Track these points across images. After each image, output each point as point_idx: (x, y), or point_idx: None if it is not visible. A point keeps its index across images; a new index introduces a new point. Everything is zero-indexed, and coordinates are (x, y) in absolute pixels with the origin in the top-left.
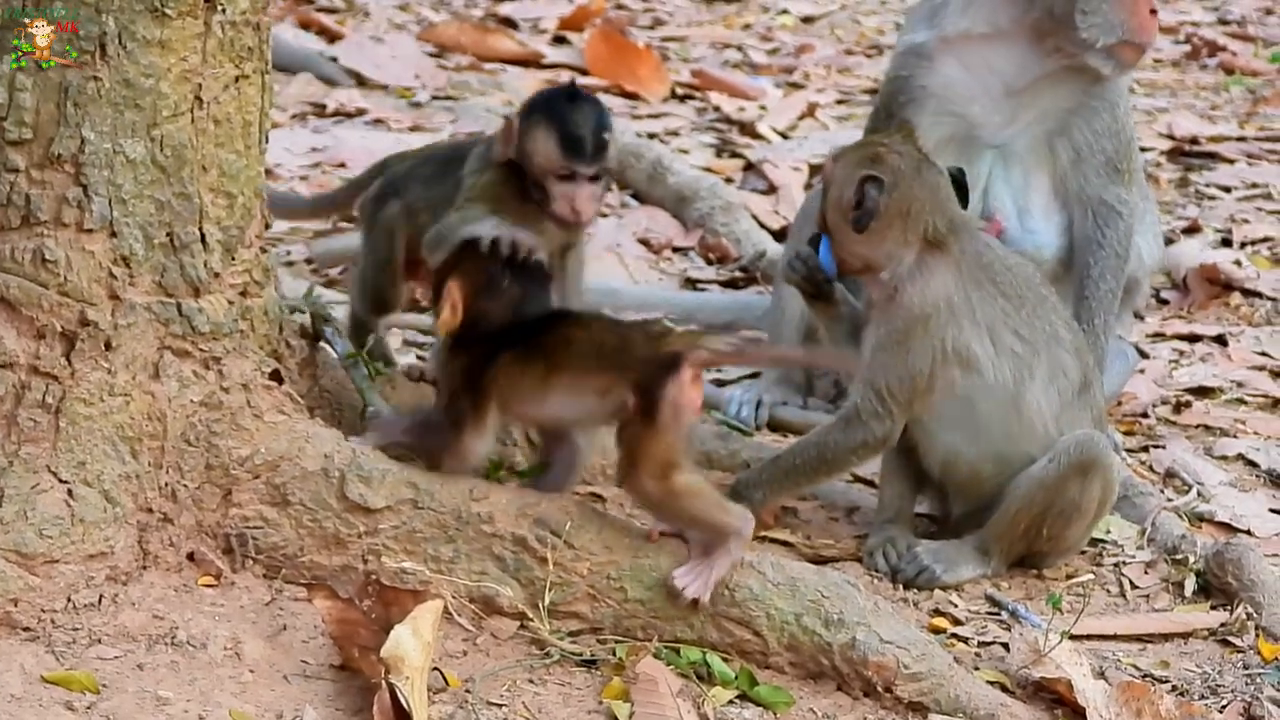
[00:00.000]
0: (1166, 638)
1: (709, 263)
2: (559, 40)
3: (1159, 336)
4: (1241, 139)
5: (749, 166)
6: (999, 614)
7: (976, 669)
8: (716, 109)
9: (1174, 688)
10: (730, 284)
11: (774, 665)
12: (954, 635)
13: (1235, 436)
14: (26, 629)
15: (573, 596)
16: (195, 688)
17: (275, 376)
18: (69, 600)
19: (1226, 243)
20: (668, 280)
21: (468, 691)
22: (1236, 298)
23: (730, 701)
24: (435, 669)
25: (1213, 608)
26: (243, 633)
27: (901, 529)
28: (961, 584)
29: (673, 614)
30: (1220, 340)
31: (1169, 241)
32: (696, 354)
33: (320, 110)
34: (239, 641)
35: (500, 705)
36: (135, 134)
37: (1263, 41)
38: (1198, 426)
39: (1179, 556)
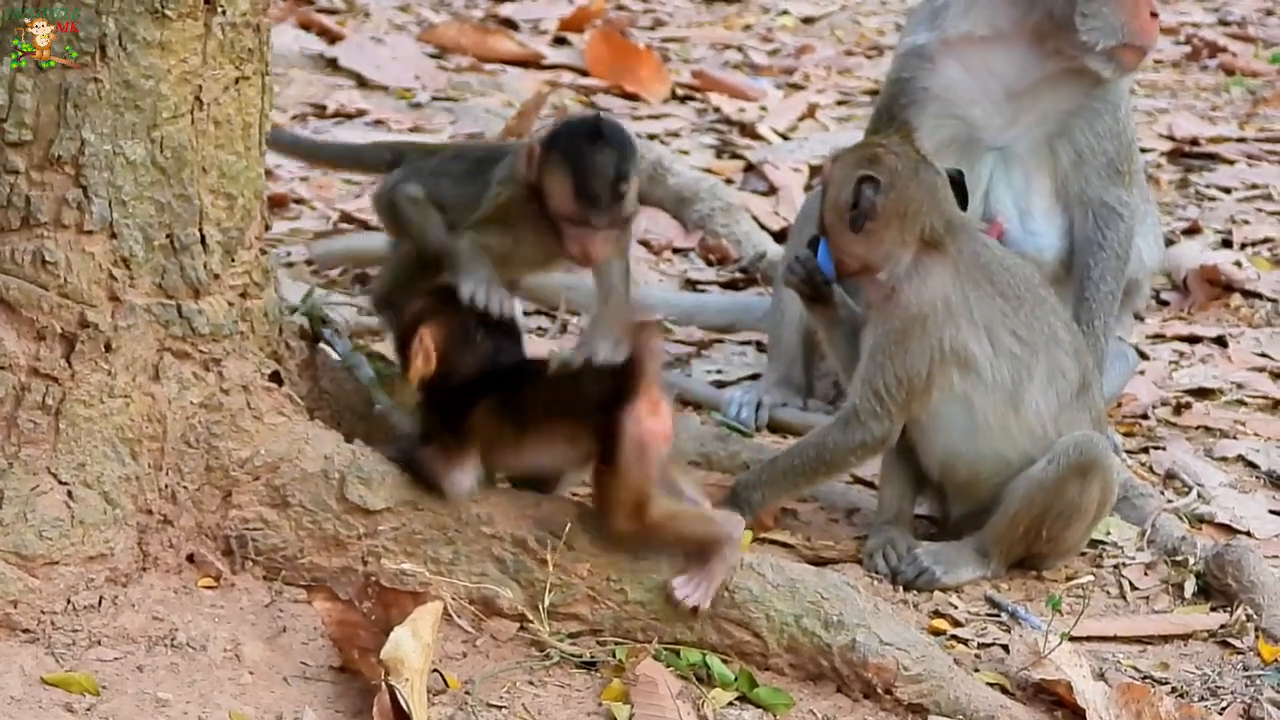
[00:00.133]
0: (1166, 639)
1: (709, 264)
2: (559, 41)
3: (1159, 338)
4: (1242, 140)
5: (749, 168)
6: (999, 616)
7: (976, 671)
8: (717, 110)
9: (1174, 689)
10: (730, 285)
11: (774, 667)
12: (954, 637)
13: (1235, 438)
14: (26, 630)
15: (572, 598)
16: (195, 689)
17: (275, 378)
18: (69, 602)
19: (1227, 244)
20: (668, 281)
21: (467, 693)
22: (1236, 299)
23: (730, 703)
24: (435, 671)
25: (1212, 609)
26: (242, 634)
27: (901, 530)
28: (961, 585)
29: (672, 616)
30: (1220, 341)
31: (1169, 243)
32: (644, 385)
33: (320, 111)
34: (239, 643)
35: (500, 707)
36: (135, 135)
37: (1263, 42)
38: (1198, 428)
39: (1179, 558)
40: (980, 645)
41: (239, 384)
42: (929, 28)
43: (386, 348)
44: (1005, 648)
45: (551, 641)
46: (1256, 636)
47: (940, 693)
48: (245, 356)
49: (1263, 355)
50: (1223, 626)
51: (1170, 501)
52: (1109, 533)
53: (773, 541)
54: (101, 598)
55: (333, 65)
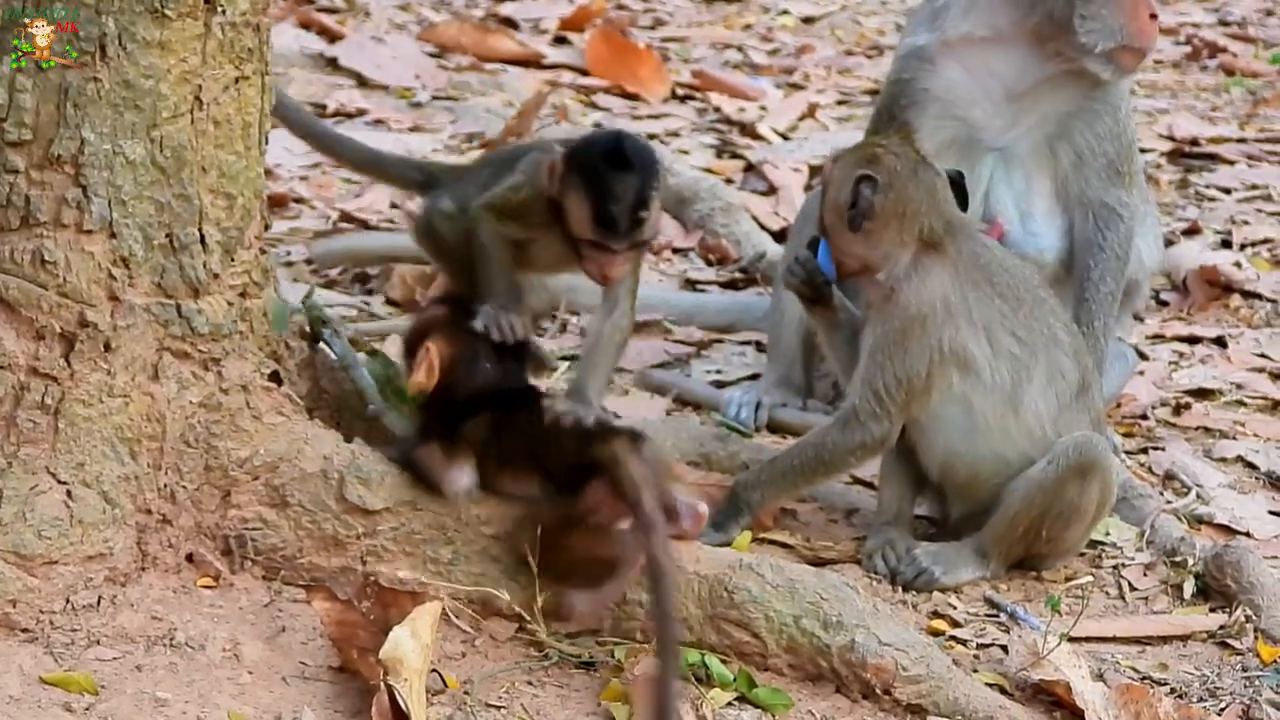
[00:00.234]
0: (1165, 640)
1: (709, 264)
2: (560, 40)
3: (1159, 338)
4: (1242, 140)
5: (749, 167)
6: (998, 616)
7: (975, 671)
8: (717, 110)
9: (1173, 690)
10: (730, 285)
11: (773, 667)
12: (953, 637)
13: (1235, 438)
14: (25, 630)
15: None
16: (194, 689)
17: (274, 378)
18: (68, 601)
19: (1226, 244)
20: (667, 281)
21: (466, 693)
22: (1236, 299)
23: (729, 703)
24: (434, 671)
25: (1212, 610)
26: (241, 634)
27: (900, 531)
28: (960, 586)
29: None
30: (1220, 342)
31: (1169, 243)
32: (617, 470)
33: (320, 110)
34: (237, 643)
35: (499, 707)
36: (135, 135)
37: (1263, 43)
38: (1197, 428)
39: (1178, 559)
40: (979, 646)
41: (238, 384)
42: (929, 29)
43: (386, 347)
44: (1004, 648)
45: (550, 642)
46: (1255, 637)
47: (939, 693)
48: (245, 356)
49: (1262, 356)
50: (1222, 627)
51: (1169, 502)
52: (1108, 533)
53: (772, 542)
54: (100, 597)
55: (333, 64)
